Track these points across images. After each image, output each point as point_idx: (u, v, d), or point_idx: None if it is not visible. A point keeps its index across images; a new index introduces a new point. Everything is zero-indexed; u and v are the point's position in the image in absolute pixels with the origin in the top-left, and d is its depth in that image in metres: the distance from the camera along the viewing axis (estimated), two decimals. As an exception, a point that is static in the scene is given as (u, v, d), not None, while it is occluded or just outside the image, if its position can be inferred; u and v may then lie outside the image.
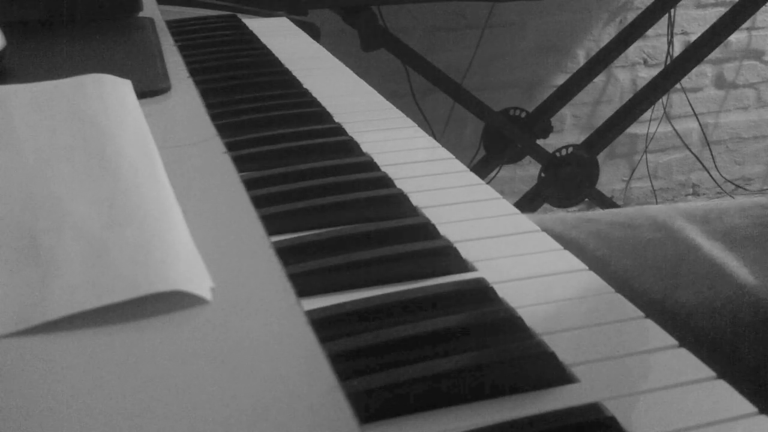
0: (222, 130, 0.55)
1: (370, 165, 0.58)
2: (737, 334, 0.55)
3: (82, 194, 0.43)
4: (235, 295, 0.36)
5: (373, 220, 0.50)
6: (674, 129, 2.37)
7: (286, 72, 0.80)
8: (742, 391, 0.35)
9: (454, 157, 0.62)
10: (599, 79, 2.23)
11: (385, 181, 0.55)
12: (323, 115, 0.68)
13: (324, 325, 0.38)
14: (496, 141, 2.01)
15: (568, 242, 0.66)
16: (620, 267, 0.62)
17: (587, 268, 0.46)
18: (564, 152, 1.92)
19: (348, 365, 0.35)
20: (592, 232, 0.66)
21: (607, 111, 2.17)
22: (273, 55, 0.87)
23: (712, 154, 2.45)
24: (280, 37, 0.98)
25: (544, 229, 0.68)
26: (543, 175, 1.95)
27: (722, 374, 0.36)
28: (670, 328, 0.44)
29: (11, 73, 0.66)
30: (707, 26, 1.96)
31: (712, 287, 0.58)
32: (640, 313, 0.41)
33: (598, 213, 0.75)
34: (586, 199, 2.00)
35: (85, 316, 0.33)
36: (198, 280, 0.35)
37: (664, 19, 2.14)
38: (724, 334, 0.55)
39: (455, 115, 2.12)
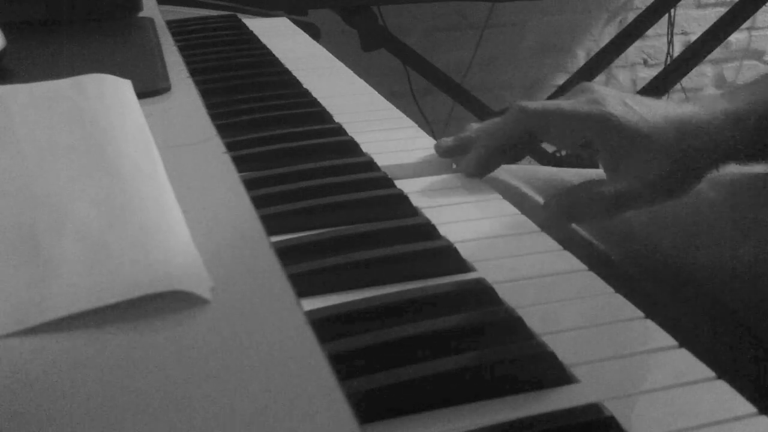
0: (222, 130, 0.55)
1: (370, 165, 0.58)
2: (756, 302, 0.54)
3: (82, 194, 0.43)
4: (235, 295, 0.36)
5: (373, 220, 0.50)
6: (674, 129, 2.37)
7: (286, 72, 0.80)
8: (749, 372, 0.34)
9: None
10: (599, 79, 2.23)
11: (385, 181, 0.55)
12: (323, 115, 0.68)
13: (324, 325, 0.38)
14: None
15: None
16: (639, 222, 0.60)
17: (587, 268, 0.46)
18: (564, 152, 1.92)
19: (348, 365, 0.35)
20: None
21: (607, 111, 2.17)
22: (273, 55, 0.87)
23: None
24: (280, 37, 0.98)
25: (561, 181, 0.67)
26: (543, 175, 1.94)
27: (734, 346, 0.35)
28: (686, 290, 0.42)
29: (11, 73, 0.66)
30: (707, 26, 1.96)
31: (733, 250, 0.56)
32: (640, 313, 0.41)
33: None
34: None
35: (85, 316, 0.33)
36: (198, 280, 0.35)
37: (664, 19, 2.14)
38: (742, 301, 0.54)
39: (455, 115, 2.12)
